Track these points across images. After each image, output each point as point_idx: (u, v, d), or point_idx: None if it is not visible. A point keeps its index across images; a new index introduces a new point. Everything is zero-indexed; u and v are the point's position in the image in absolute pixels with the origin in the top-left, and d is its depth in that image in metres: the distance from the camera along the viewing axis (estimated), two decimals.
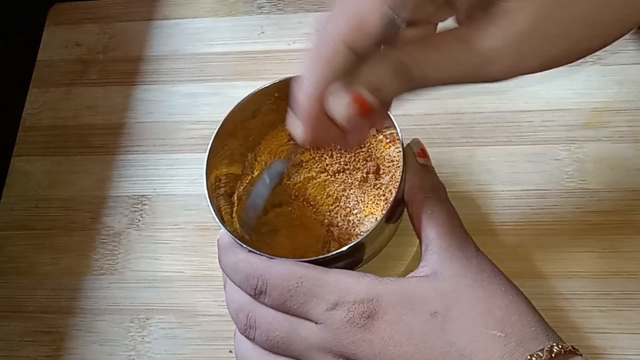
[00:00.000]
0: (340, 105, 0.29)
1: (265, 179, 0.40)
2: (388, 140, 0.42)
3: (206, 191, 0.38)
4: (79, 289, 0.45)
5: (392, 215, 0.38)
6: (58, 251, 0.47)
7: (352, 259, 0.38)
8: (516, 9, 0.26)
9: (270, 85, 0.40)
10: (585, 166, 0.43)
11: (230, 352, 0.42)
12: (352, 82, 0.29)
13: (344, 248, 0.35)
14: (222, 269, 0.37)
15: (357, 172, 0.42)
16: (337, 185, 0.42)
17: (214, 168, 0.40)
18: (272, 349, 0.33)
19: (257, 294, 0.34)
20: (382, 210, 0.40)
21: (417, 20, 0.31)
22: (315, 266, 0.34)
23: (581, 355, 0.31)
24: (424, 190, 0.37)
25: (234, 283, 0.35)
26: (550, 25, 0.27)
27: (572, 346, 0.31)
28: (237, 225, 0.42)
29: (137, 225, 0.47)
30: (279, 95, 0.41)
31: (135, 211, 0.47)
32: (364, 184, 0.41)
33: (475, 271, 0.33)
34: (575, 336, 0.39)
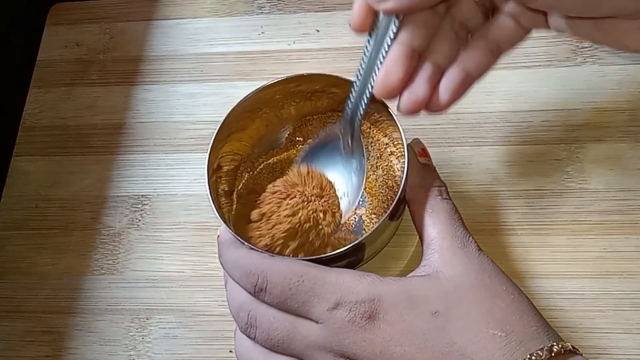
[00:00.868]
0: None
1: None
2: (390, 140, 0.42)
3: (207, 186, 0.38)
4: (79, 288, 0.45)
5: (395, 213, 0.38)
6: (58, 251, 0.47)
7: (354, 258, 0.38)
8: None
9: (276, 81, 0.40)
10: (585, 166, 0.44)
11: (231, 352, 0.42)
12: None
13: (346, 247, 0.35)
14: (222, 265, 0.36)
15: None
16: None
17: (214, 161, 0.40)
18: (272, 347, 0.33)
19: (257, 292, 0.33)
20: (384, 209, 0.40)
21: None
22: (317, 265, 0.33)
23: (581, 354, 0.31)
24: (425, 189, 0.37)
25: (234, 280, 0.35)
26: None
27: (572, 346, 0.31)
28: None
29: (137, 225, 0.47)
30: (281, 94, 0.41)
31: (135, 211, 0.47)
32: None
33: (477, 270, 0.33)
34: (576, 336, 0.39)
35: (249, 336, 0.34)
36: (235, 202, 0.42)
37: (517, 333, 0.30)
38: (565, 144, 0.44)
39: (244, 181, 0.43)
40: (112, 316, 0.44)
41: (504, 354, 0.30)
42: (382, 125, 0.42)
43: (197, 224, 0.46)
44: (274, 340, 0.33)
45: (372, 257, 0.40)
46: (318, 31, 0.51)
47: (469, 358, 0.30)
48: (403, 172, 0.37)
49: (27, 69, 0.54)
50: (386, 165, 0.43)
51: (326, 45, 0.51)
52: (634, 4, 0.27)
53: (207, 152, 0.39)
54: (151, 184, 0.48)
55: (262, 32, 0.52)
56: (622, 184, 0.43)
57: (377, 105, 0.38)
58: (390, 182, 0.42)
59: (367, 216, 0.42)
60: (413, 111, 0.33)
